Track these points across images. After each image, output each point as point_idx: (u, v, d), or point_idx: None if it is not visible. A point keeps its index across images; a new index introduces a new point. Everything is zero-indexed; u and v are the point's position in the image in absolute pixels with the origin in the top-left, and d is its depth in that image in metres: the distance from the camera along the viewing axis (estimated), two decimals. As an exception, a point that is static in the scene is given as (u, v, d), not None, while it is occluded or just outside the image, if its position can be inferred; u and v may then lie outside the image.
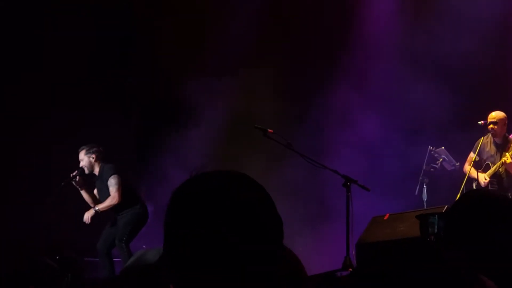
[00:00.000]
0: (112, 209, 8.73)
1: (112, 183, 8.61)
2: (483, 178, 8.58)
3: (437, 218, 5.91)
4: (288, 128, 9.60)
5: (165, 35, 10.78)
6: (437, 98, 10.18)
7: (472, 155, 8.79)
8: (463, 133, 9.26)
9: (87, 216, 8.64)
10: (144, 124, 11.36)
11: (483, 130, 8.67)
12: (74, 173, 8.62)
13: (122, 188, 8.65)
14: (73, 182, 8.63)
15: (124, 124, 10.96)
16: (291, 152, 7.94)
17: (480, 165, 8.76)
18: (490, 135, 8.68)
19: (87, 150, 8.69)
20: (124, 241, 8.59)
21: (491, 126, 8.59)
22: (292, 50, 11.04)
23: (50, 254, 8.63)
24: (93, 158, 8.68)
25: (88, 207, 8.79)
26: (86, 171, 8.71)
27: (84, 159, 8.70)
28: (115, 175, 8.62)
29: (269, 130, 7.79)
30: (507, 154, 8.42)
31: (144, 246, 9.08)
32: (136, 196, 8.84)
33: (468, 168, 8.72)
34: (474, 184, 8.66)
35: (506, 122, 8.65)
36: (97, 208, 8.63)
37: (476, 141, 8.82)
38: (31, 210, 9.87)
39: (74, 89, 10.27)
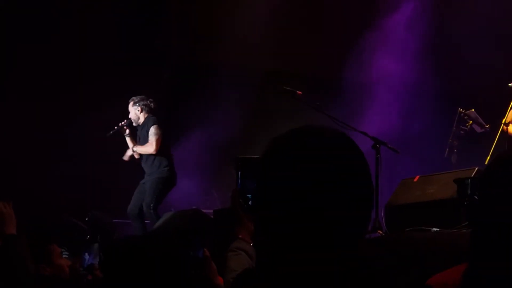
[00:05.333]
0: (143, 165, 8.84)
1: (153, 132, 8.70)
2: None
3: (470, 181, 5.86)
4: (318, 91, 9.56)
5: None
6: (468, 58, 10.07)
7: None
8: (494, 94, 9.14)
9: (127, 155, 8.91)
10: (174, 86, 11.32)
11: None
12: (122, 123, 8.82)
13: (165, 148, 8.82)
14: (121, 131, 8.84)
15: (154, 86, 10.93)
16: (315, 114, 7.90)
17: None
18: None
19: (134, 102, 8.84)
20: (152, 207, 8.64)
21: None
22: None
23: (79, 215, 8.73)
24: (138, 110, 8.81)
25: (125, 163, 9.03)
26: (134, 124, 8.88)
27: (131, 111, 8.85)
28: (157, 126, 8.71)
29: (298, 92, 7.73)
30: None
31: (172, 209, 9.13)
32: (167, 158, 8.88)
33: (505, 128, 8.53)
34: (507, 146, 8.52)
35: None
36: (134, 148, 8.80)
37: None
38: (60, 171, 9.94)
39: (103, 52, 10.26)
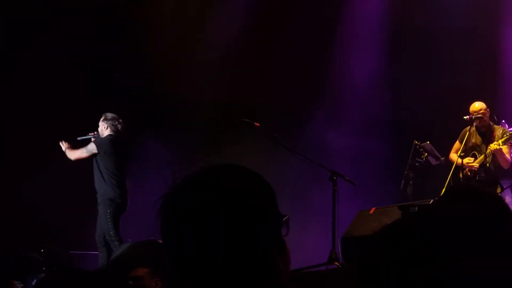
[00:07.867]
0: (94, 185, 8.83)
1: (88, 147, 8.81)
2: (471, 165, 8.64)
3: (416, 209, 5.93)
4: (277, 122, 9.63)
5: (153, 31, 10.72)
6: (423, 91, 10.28)
7: (458, 145, 8.88)
8: (449, 127, 9.33)
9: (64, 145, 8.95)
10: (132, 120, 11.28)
11: (469, 124, 8.72)
12: (92, 134, 8.97)
13: (109, 170, 8.75)
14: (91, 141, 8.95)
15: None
16: (276, 145, 7.95)
17: (466, 155, 8.80)
18: (475, 124, 8.72)
19: (103, 119, 8.96)
20: (113, 235, 8.54)
21: (478, 121, 8.64)
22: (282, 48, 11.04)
23: (34, 247, 8.60)
24: (105, 127, 8.92)
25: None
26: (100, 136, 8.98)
27: (100, 125, 8.96)
28: (94, 145, 8.78)
29: (256, 123, 7.77)
30: (494, 144, 8.46)
31: (129, 240, 9.04)
32: (115, 177, 8.83)
33: (455, 157, 8.78)
34: (461, 174, 8.70)
35: (488, 110, 8.72)
36: (64, 146, 8.88)
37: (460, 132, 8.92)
38: (17, 203, 9.82)
39: (61, 85, 10.24)
